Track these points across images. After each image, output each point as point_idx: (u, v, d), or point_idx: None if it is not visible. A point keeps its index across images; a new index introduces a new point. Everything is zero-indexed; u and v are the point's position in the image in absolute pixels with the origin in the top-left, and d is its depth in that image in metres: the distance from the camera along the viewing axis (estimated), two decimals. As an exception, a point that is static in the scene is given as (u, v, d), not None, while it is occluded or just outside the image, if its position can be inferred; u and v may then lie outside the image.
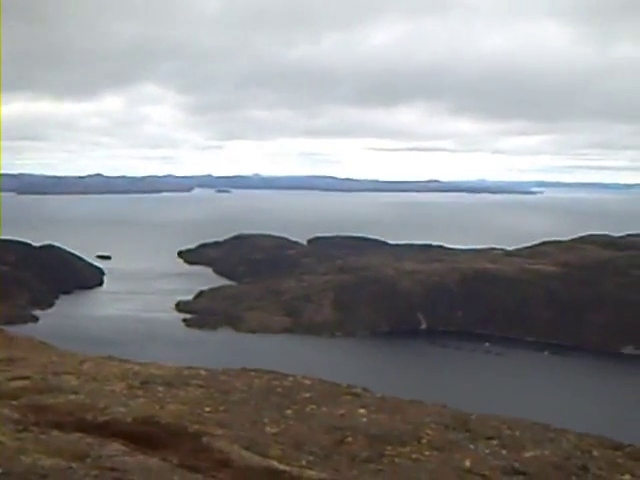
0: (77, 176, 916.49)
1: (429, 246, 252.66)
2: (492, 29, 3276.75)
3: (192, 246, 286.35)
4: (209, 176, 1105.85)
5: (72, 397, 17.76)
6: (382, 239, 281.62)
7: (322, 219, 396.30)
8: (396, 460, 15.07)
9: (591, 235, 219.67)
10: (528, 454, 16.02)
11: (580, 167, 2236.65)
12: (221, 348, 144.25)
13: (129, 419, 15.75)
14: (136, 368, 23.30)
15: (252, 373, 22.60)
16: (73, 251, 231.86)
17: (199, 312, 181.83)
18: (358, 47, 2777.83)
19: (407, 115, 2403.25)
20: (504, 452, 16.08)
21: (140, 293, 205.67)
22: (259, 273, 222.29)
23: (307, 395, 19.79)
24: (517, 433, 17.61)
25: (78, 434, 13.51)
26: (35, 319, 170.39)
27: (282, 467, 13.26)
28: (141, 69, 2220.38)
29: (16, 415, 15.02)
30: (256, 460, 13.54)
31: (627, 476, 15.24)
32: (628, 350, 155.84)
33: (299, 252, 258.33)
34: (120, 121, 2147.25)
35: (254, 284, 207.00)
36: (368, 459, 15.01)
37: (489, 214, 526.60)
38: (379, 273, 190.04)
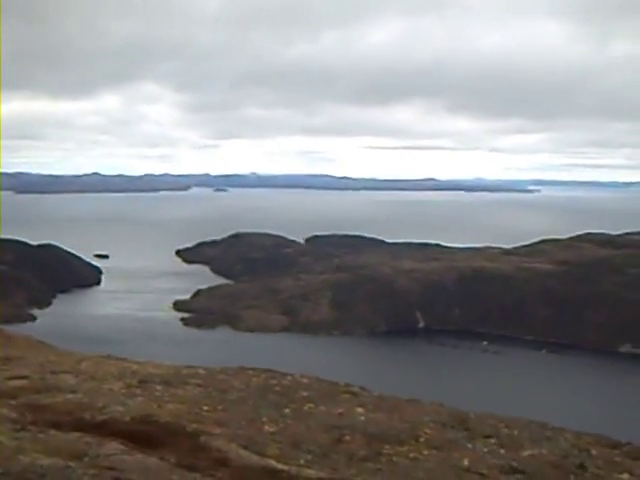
0: (74, 175, 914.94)
1: (426, 245, 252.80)
2: (490, 27, 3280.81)
3: (190, 245, 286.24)
4: (206, 175, 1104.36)
5: (70, 396, 17.75)
6: (379, 238, 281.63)
7: (319, 218, 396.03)
8: (394, 459, 15.07)
9: (589, 233, 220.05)
10: (526, 453, 16.04)
11: (577, 165, 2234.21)
12: (219, 347, 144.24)
13: (127, 418, 15.74)
14: (134, 367, 23.31)
15: (250, 372, 22.60)
16: (71, 250, 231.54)
17: (197, 311, 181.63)
18: (356, 46, 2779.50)
19: (404, 113, 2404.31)
20: (502, 451, 16.10)
21: (138, 292, 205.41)
22: (257, 272, 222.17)
23: (305, 394, 19.79)
24: (515, 432, 17.63)
25: (76, 433, 13.50)
26: (33, 318, 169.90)
27: (280, 466, 13.26)
28: (139, 68, 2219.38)
29: (14, 414, 15.01)
30: (254, 459, 13.53)
31: (625, 475, 15.25)
32: (626, 348, 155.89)
33: (296, 251, 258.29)
34: (117, 120, 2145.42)
35: (252, 283, 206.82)
36: (366, 458, 15.01)
37: (487, 212, 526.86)
38: (376, 272, 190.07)
